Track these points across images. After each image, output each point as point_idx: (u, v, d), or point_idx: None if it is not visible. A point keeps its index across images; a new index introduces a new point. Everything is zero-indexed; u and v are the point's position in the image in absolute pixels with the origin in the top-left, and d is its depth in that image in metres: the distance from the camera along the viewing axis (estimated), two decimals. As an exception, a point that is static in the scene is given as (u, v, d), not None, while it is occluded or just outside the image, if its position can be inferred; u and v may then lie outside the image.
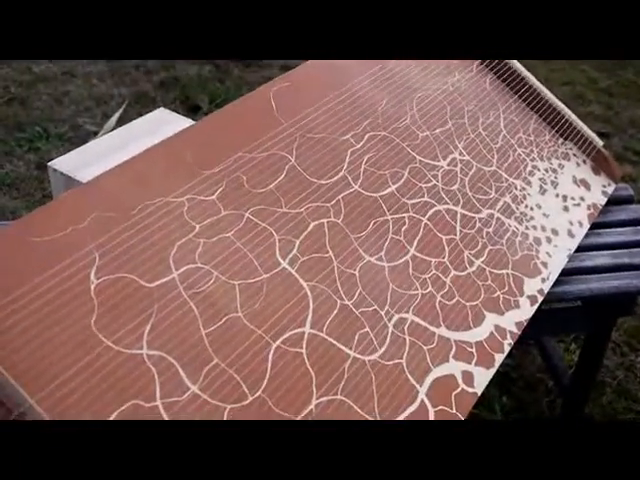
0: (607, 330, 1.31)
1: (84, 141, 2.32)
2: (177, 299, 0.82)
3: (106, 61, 2.89)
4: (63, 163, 1.11)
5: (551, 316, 1.26)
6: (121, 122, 2.48)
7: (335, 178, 1.05)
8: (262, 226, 0.93)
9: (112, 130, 1.28)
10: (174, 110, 2.67)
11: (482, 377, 0.96)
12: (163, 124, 1.24)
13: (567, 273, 1.21)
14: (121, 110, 2.51)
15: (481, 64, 1.43)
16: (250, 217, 0.93)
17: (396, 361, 0.91)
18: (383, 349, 0.91)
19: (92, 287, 0.78)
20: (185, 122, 1.27)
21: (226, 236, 0.90)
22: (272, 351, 0.83)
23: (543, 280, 1.13)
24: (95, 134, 2.38)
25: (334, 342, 0.88)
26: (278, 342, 0.84)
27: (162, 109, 1.32)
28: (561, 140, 1.41)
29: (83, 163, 1.10)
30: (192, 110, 2.58)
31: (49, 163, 1.13)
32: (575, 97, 2.88)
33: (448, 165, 1.19)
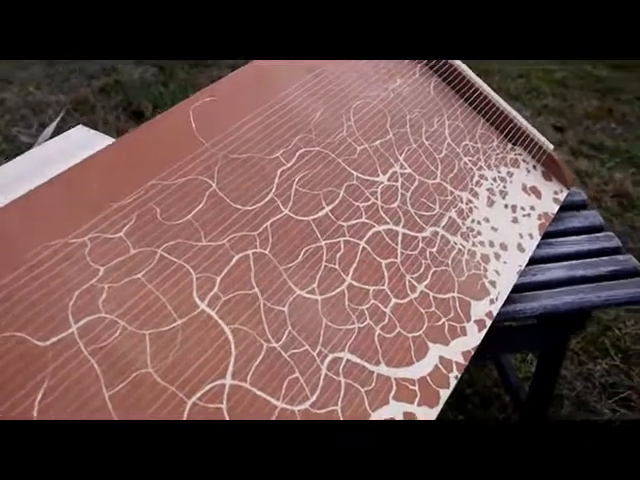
0: (562, 347, 1.25)
1: (17, 154, 2.20)
2: (76, 357, 0.72)
3: (43, 66, 2.75)
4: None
5: (503, 335, 1.19)
6: (58, 131, 2.36)
7: (262, 202, 0.96)
8: (177, 263, 0.84)
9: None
10: (116, 117, 2.55)
11: (426, 417, 0.88)
12: (81, 147, 1.14)
13: (519, 289, 1.14)
14: (58, 119, 2.37)
15: (425, 66, 1.35)
16: (163, 254, 0.84)
17: (330, 409, 0.83)
18: (315, 396, 0.82)
19: (-26, 350, 0.68)
20: (108, 142, 1.17)
21: (135, 278, 0.81)
22: (187, 410, 0.74)
23: (491, 301, 1.06)
24: (30, 146, 2.25)
25: (259, 393, 0.79)
26: (194, 399, 0.75)
27: (81, 127, 1.22)
28: (510, 145, 1.34)
29: (-18, 195, 0.99)
30: (136, 116, 2.46)
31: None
32: (530, 90, 2.83)
33: (388, 180, 1.11)
